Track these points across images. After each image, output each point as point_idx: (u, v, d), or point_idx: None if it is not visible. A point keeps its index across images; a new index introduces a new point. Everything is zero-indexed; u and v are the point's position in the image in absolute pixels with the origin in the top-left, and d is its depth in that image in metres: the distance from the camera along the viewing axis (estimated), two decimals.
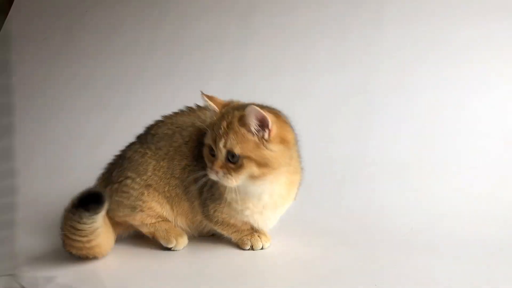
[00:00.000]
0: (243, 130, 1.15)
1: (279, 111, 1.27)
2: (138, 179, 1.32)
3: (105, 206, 1.16)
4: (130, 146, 1.41)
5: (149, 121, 1.46)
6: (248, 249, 1.32)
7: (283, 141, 1.18)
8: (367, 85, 2.09)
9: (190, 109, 1.43)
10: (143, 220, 1.34)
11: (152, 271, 1.21)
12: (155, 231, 1.34)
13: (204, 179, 1.23)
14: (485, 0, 2.04)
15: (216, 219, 1.31)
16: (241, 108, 1.19)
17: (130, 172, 1.34)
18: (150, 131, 1.41)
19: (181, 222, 1.37)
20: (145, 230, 1.35)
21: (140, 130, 1.45)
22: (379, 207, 1.66)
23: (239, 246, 1.34)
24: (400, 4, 2.16)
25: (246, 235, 1.33)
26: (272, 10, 2.34)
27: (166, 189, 1.33)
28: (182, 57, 2.37)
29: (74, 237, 1.17)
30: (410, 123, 1.98)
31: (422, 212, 1.63)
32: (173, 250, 1.32)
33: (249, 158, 1.14)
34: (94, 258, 1.23)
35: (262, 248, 1.32)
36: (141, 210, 1.32)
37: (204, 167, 1.23)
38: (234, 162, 1.14)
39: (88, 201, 1.13)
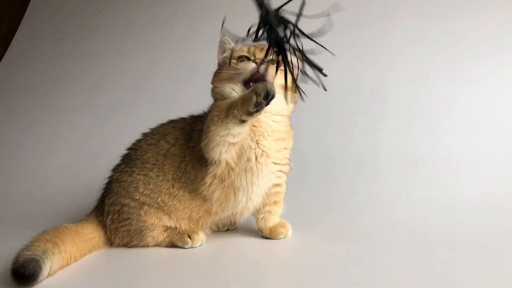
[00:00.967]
0: None
1: None
2: (132, 203, 1.33)
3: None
4: (116, 168, 1.42)
5: (161, 119, 1.48)
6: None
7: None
8: (380, 80, 2.09)
9: (169, 121, 1.46)
10: (156, 240, 1.36)
11: (164, 268, 1.23)
12: (171, 240, 1.36)
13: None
14: None
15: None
16: None
17: (123, 197, 1.34)
18: (132, 148, 1.43)
19: (185, 225, 1.37)
20: (163, 245, 1.37)
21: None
22: (392, 201, 1.67)
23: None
24: None
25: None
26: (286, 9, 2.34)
27: (159, 200, 1.33)
28: (193, 57, 2.39)
29: None
30: (423, 118, 1.97)
31: (435, 205, 1.62)
32: (193, 248, 1.33)
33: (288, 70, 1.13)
34: None
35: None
36: (147, 229, 1.34)
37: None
38: (276, 63, 1.13)
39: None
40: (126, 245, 1.36)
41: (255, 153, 1.27)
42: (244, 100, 1.18)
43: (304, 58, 1.05)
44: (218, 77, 1.35)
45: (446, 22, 2.08)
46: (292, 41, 1.04)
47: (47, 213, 1.77)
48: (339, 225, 1.49)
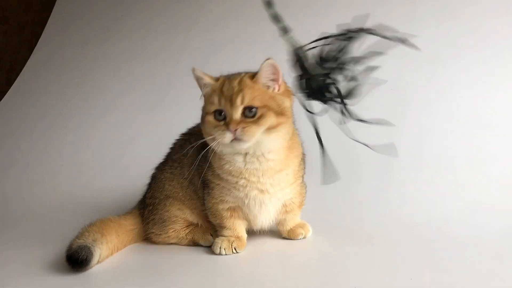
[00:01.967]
0: (256, 85, 1.17)
1: None
2: (159, 195, 1.40)
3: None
4: (157, 166, 1.50)
5: (185, 120, 1.50)
6: (219, 254, 1.28)
7: (289, 94, 1.23)
8: (399, 80, 2.07)
9: None
10: (178, 234, 1.39)
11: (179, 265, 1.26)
12: (193, 237, 1.38)
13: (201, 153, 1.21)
14: None
15: (207, 205, 1.32)
16: (242, 73, 1.23)
17: (155, 191, 1.41)
18: (171, 147, 1.49)
19: (204, 223, 1.40)
20: (185, 242, 1.39)
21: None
22: (413, 202, 1.65)
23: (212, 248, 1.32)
24: None
25: (221, 237, 1.32)
26: (302, 6, 2.35)
27: (181, 194, 1.37)
28: (215, 59, 2.41)
29: None
30: (444, 118, 1.95)
31: (456, 206, 1.60)
32: None
33: (267, 107, 1.15)
34: None
35: (233, 252, 1.28)
36: (170, 220, 1.37)
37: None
38: (252, 116, 1.14)
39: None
40: (152, 239, 1.40)
41: (253, 194, 1.25)
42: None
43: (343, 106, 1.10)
44: (203, 128, 1.24)
45: (469, 21, 2.04)
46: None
47: (77, 211, 1.85)
48: (359, 226, 1.50)
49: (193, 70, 1.25)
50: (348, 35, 1.08)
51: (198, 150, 1.25)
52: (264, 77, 1.18)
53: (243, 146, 1.17)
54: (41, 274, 1.22)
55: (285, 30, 1.16)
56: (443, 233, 1.37)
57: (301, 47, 1.09)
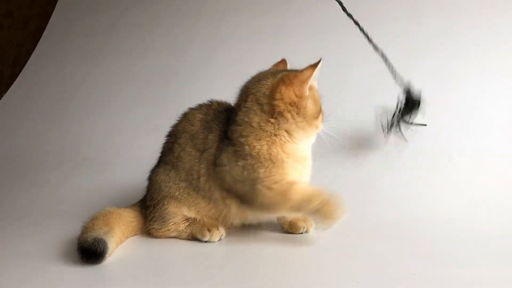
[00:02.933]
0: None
1: None
2: (157, 196, 1.43)
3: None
4: (152, 168, 1.52)
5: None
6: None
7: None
8: (403, 76, 2.06)
9: (183, 114, 1.50)
10: (177, 228, 1.41)
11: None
12: (192, 231, 1.40)
13: None
14: None
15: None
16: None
17: (153, 193, 1.44)
18: (161, 150, 1.52)
19: (203, 218, 1.41)
20: (184, 236, 1.41)
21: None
22: (417, 198, 1.64)
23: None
24: None
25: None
26: (306, 3, 2.34)
27: (177, 194, 1.39)
28: (221, 54, 2.41)
29: None
30: (449, 114, 1.94)
31: (459, 201, 1.60)
32: (210, 242, 1.36)
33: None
34: None
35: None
36: (169, 215, 1.40)
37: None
38: None
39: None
40: (153, 234, 1.42)
41: None
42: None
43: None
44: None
45: (474, 17, 2.03)
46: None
47: (80, 204, 1.87)
48: (363, 221, 1.48)
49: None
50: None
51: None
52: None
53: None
54: (45, 265, 1.23)
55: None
56: (447, 229, 1.37)
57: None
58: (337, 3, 1.63)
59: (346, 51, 2.20)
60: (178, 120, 1.49)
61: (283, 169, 1.26)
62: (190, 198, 1.38)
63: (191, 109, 1.49)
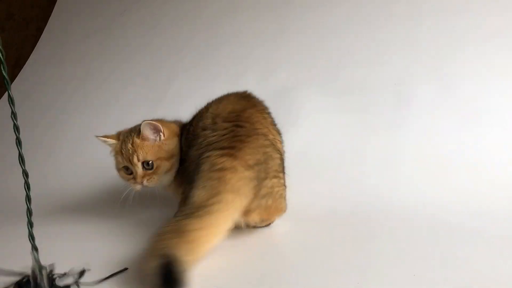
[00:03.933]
0: (145, 142, 1.40)
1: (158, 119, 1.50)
2: None
3: None
4: None
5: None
6: None
7: (174, 135, 1.46)
8: (403, 76, 2.05)
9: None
10: None
11: None
12: None
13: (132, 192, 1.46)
14: None
15: None
16: (134, 130, 1.44)
17: None
18: None
19: None
20: None
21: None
22: (416, 202, 1.62)
23: None
24: None
25: None
26: (306, 3, 2.33)
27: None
28: (220, 54, 2.41)
29: None
30: (445, 112, 1.93)
31: (459, 201, 1.60)
32: None
33: (160, 158, 1.41)
34: None
35: None
36: None
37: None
38: (150, 168, 1.40)
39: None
40: None
41: None
42: None
43: None
44: (120, 176, 1.52)
45: (474, 15, 2.02)
46: None
47: (80, 205, 1.88)
48: (361, 225, 1.47)
49: (97, 138, 1.49)
50: None
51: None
52: (147, 135, 1.41)
53: (151, 187, 1.44)
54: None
55: None
56: (443, 235, 1.35)
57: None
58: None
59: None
60: None
61: None
62: None
63: None
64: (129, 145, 1.41)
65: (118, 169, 1.47)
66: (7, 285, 1.05)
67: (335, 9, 2.26)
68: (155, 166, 1.41)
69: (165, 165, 1.42)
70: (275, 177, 1.29)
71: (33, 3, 3.22)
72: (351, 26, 2.20)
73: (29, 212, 1.00)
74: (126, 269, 1.12)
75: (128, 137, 1.43)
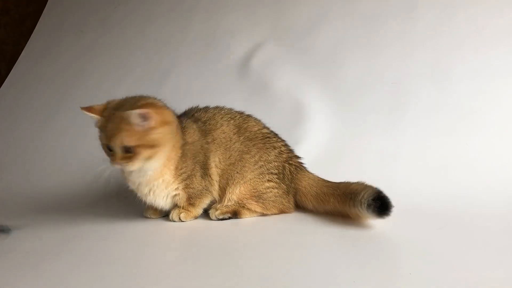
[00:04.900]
0: (129, 127, 1.32)
1: (154, 98, 1.45)
2: None
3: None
4: None
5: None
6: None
7: (165, 123, 1.38)
8: (400, 73, 2.04)
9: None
10: None
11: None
12: None
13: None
14: None
15: None
16: (121, 106, 1.36)
17: None
18: None
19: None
20: None
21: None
22: (413, 194, 1.62)
23: None
24: None
25: None
26: (301, 2, 2.32)
27: None
28: (215, 50, 2.39)
29: None
30: (447, 112, 1.91)
31: (455, 199, 1.59)
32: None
33: (141, 145, 1.34)
34: None
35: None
36: None
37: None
38: (130, 152, 1.34)
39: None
40: None
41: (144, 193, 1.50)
42: None
43: None
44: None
45: (471, 12, 2.00)
46: None
47: (72, 201, 1.90)
48: (357, 224, 1.45)
49: (81, 109, 1.40)
50: None
51: None
52: (134, 123, 1.32)
53: (128, 171, 1.41)
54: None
55: None
56: (441, 234, 1.33)
57: None
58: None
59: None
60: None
61: None
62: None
63: None
64: (112, 125, 1.33)
65: (102, 144, 1.40)
66: None
67: (331, 8, 2.25)
68: (134, 152, 1.34)
69: (146, 153, 1.35)
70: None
71: None
72: (347, 24, 2.19)
73: None
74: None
75: (113, 115, 1.34)
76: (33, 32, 2.98)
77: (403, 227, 1.38)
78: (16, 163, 2.35)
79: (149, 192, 1.48)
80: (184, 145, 1.48)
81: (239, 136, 1.58)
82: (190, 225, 1.51)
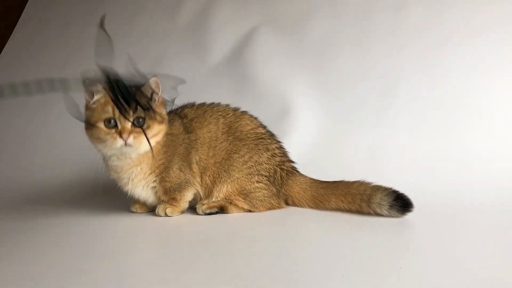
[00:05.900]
0: (144, 99, 1.33)
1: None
2: None
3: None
4: None
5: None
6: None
7: (164, 104, 1.43)
8: (390, 69, 2.03)
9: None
10: None
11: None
12: None
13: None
14: None
15: None
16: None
17: None
18: None
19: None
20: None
21: None
22: (404, 189, 1.59)
23: None
24: None
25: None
26: None
27: None
28: (207, 41, 2.36)
29: None
30: (435, 107, 1.91)
31: (446, 195, 1.59)
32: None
33: (153, 118, 1.36)
34: None
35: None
36: None
37: None
38: (140, 126, 1.33)
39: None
40: None
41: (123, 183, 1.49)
42: None
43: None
44: (90, 132, 1.39)
45: (460, 9, 2.00)
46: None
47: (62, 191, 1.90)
48: (347, 219, 1.44)
49: (84, 81, 1.35)
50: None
51: None
52: (153, 89, 1.35)
53: (131, 152, 1.39)
54: None
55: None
56: (429, 230, 1.33)
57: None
58: None
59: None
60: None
61: None
62: None
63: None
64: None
65: (97, 121, 1.35)
66: None
67: (321, 2, 2.23)
68: (146, 124, 1.35)
69: (155, 128, 1.37)
70: None
71: None
72: (337, 19, 2.18)
73: None
74: None
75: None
76: (17, 25, 2.92)
77: (393, 221, 1.37)
78: (1, 158, 2.30)
79: (128, 181, 1.47)
80: (168, 134, 1.48)
81: (228, 136, 1.57)
82: (176, 220, 1.49)
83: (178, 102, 1.59)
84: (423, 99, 1.94)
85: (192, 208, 1.57)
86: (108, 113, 1.34)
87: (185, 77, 2.25)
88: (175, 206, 1.53)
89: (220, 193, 1.54)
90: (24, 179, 2.14)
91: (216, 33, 2.35)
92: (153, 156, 1.43)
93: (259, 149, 1.57)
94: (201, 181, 1.55)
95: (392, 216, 1.38)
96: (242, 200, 1.54)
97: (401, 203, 1.37)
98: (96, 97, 1.37)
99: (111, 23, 2.56)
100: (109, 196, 1.75)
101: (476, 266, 1.02)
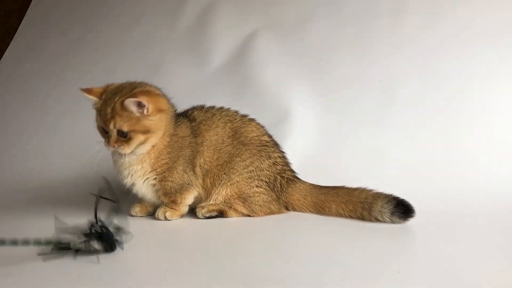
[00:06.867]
0: (125, 113, 1.38)
1: (150, 85, 1.51)
2: None
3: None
4: None
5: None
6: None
7: (159, 110, 1.44)
8: (389, 73, 2.04)
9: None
10: None
11: None
12: None
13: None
14: None
15: None
16: (119, 91, 1.42)
17: None
18: None
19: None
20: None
21: None
22: (402, 195, 1.60)
23: None
24: None
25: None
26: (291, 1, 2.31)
27: None
28: (204, 48, 2.36)
29: None
30: (434, 112, 1.92)
31: (444, 200, 1.59)
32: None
33: (135, 131, 1.40)
34: None
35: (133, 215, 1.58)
36: None
37: None
38: (124, 136, 1.40)
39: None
40: None
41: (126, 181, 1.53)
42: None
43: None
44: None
45: (459, 13, 2.00)
46: None
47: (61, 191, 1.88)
48: (347, 224, 1.45)
49: (80, 91, 1.44)
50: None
51: None
52: (130, 110, 1.38)
53: (127, 155, 1.46)
54: None
55: None
56: (428, 233, 1.34)
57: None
58: None
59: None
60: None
61: None
62: None
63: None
64: (109, 109, 1.39)
65: (97, 126, 1.47)
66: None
67: (319, 6, 2.24)
68: (128, 136, 1.41)
69: (139, 138, 1.42)
70: None
71: None
72: (336, 23, 2.19)
73: None
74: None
75: (111, 99, 1.40)
76: (19, 29, 2.93)
77: (391, 227, 1.38)
78: (3, 157, 2.31)
79: (128, 175, 1.51)
80: (173, 135, 1.52)
81: (233, 140, 1.58)
82: (175, 224, 1.49)
83: (183, 107, 1.62)
84: (422, 104, 1.95)
85: (191, 212, 1.57)
86: (98, 122, 1.45)
87: (185, 82, 2.32)
88: (175, 209, 1.54)
89: (219, 196, 1.55)
90: (24, 179, 2.14)
91: (216, 37, 2.35)
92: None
93: (261, 156, 1.58)
94: (203, 183, 1.57)
95: (394, 223, 1.39)
96: (241, 204, 1.55)
97: (402, 209, 1.38)
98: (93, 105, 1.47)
99: (112, 28, 2.60)
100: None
101: (474, 271, 1.03)
